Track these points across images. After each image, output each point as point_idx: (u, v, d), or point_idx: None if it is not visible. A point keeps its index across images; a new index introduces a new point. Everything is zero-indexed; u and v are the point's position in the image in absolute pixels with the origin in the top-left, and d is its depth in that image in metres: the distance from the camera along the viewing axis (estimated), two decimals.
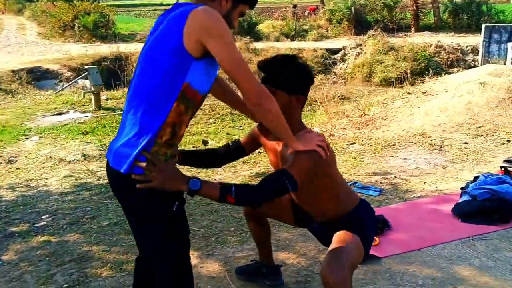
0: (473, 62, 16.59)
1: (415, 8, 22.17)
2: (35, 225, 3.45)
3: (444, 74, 11.10)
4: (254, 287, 2.59)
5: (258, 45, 17.68)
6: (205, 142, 7.12)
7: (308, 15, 27.06)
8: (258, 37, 20.38)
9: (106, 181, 4.43)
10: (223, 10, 1.65)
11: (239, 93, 1.75)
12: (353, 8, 21.98)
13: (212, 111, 9.10)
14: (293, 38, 20.93)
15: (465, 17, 22.22)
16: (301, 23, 23.73)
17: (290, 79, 1.87)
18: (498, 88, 6.09)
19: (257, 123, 2.09)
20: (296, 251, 2.99)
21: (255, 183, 1.78)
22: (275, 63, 1.89)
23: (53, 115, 8.63)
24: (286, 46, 17.62)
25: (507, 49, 14.83)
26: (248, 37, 18.16)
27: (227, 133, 7.66)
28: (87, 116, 8.39)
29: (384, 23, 21.94)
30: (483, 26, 15.53)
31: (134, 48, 16.88)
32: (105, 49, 16.10)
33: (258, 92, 1.60)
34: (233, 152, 2.18)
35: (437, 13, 23.03)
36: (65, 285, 2.62)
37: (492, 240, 3.07)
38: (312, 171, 1.80)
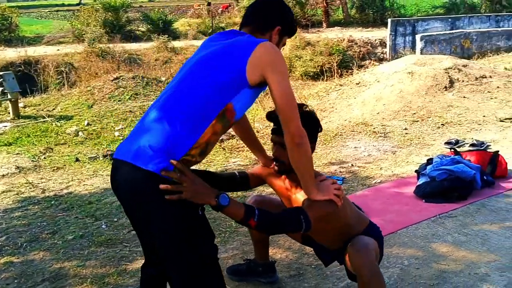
0: (382, 55, 17.60)
1: (325, 4, 23.06)
2: None
3: (358, 68, 11.72)
4: (249, 285, 2.53)
5: (177, 43, 17.36)
6: None
7: (221, 12, 27.10)
8: (175, 35, 20.00)
9: (53, 193, 4.13)
10: (273, 42, 1.81)
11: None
12: None
13: (143, 113, 8.77)
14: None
15: (371, 12, 23.55)
16: (217, 20, 23.68)
17: (304, 126, 1.84)
18: (425, 77, 6.52)
19: (268, 164, 2.14)
20: (281, 246, 2.97)
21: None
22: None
23: None
24: None
25: (411, 41, 16.02)
26: (166, 35, 17.74)
27: None
28: (6, 126, 7.69)
29: (297, 19, 22.60)
30: (389, 20, 16.51)
31: (43, 51, 15.81)
32: (11, 53, 14.87)
33: (302, 133, 1.68)
34: (239, 183, 2.14)
35: (345, 9, 24.17)
36: None
37: (457, 217, 3.27)
38: (327, 217, 1.84)
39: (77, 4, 42.52)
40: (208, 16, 24.30)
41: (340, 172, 4.25)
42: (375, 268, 1.87)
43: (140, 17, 22.19)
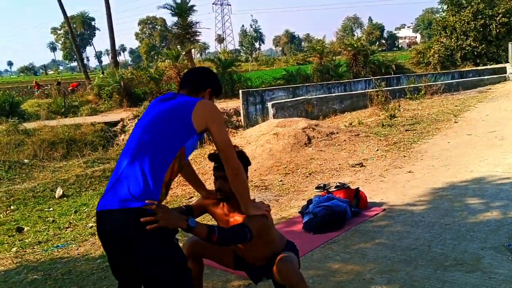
0: (237, 122, 19.02)
1: (178, 79, 24.25)
2: None
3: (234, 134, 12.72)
4: None
5: (29, 125, 16.55)
6: (20, 229, 6.51)
7: (71, 91, 26.57)
8: (25, 117, 19.03)
9: None
10: (206, 99, 2.32)
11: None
12: (121, 82, 22.71)
13: (11, 197, 8.28)
14: (65, 115, 20.23)
15: (223, 85, 25.38)
16: (69, 99, 23.17)
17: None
18: (288, 136, 7.56)
19: (208, 196, 2.64)
20: (205, 287, 3.33)
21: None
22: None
23: None
24: (61, 123, 16.99)
25: (261, 108, 17.74)
26: (15, 117, 16.81)
27: (39, 216, 7.15)
28: None
29: (153, 94, 23.31)
30: (241, 91, 18.05)
31: None
32: None
33: (239, 165, 2.25)
34: (185, 214, 2.56)
35: None
36: None
37: (340, 242, 4.03)
38: (261, 229, 2.38)
39: None
40: (59, 96, 23.65)
41: None
42: (301, 275, 2.44)
43: None
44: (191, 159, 8.34)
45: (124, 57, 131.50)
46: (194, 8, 26.03)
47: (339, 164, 6.78)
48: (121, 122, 18.18)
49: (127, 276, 2.04)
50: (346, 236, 4.14)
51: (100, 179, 8.74)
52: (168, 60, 25.16)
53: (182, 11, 25.35)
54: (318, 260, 3.68)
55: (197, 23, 26.14)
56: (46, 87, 27.76)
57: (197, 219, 2.20)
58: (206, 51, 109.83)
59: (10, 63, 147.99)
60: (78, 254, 4.40)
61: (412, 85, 17.45)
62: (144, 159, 1.99)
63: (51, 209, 7.87)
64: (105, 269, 3.80)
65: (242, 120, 18.18)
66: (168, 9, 25.60)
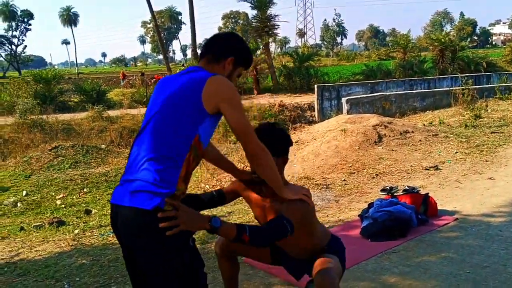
0: (311, 118, 18.65)
1: (255, 73, 24.32)
2: None
3: (293, 129, 12.44)
4: None
5: (112, 112, 17.38)
6: (88, 212, 6.76)
7: (154, 82, 27.62)
8: (109, 105, 20.05)
9: (4, 260, 4.03)
10: (225, 72, 1.96)
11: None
12: None
13: (85, 180, 8.68)
14: (146, 104, 21.02)
15: (298, 79, 25.12)
16: (151, 90, 24.08)
17: (276, 144, 2.13)
18: (357, 133, 7.15)
19: (242, 181, 2.33)
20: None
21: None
22: (261, 133, 2.11)
23: None
24: (142, 112, 17.67)
25: (336, 104, 17.22)
26: (101, 105, 17.75)
27: (108, 200, 7.38)
28: None
29: None
30: (316, 86, 17.66)
31: None
32: None
33: (258, 146, 1.89)
34: (217, 200, 2.37)
35: (274, 77, 25.61)
36: None
37: (400, 252, 3.63)
38: (302, 218, 2.08)
39: (2, 77, 41.39)
40: (142, 86, 24.69)
41: None
42: None
43: (73, 88, 22.08)
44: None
45: None
46: (274, 1, 25.80)
47: (411, 166, 6.25)
48: None
49: (134, 276, 1.87)
50: (408, 247, 3.72)
51: None
52: None
53: (262, 4, 25.22)
54: (373, 271, 3.32)
55: (276, 16, 25.88)
56: (131, 78, 29.13)
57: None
58: (287, 46, 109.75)
59: (104, 55, 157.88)
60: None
61: (503, 84, 16.00)
62: (155, 154, 1.76)
63: None
64: None
65: (316, 116, 17.80)
66: (247, 2, 25.65)
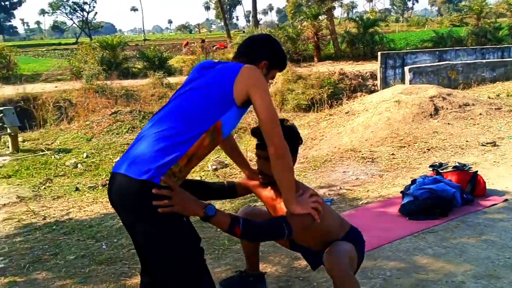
0: (373, 87, 18.01)
1: (316, 39, 23.73)
2: None
3: (348, 98, 12.09)
4: None
5: (172, 79, 17.76)
6: None
7: (216, 49, 27.79)
8: (170, 72, 20.49)
9: (55, 219, 4.30)
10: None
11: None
12: None
13: None
14: None
15: (361, 46, 24.23)
16: (211, 57, 24.29)
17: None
18: (411, 105, 6.82)
19: (252, 177, 2.31)
20: (271, 261, 3.14)
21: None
22: None
23: None
24: None
25: (401, 73, 16.47)
26: (161, 72, 18.17)
27: None
28: (5, 160, 7.88)
29: (290, 54, 23.23)
30: (379, 53, 16.97)
31: (41, 88, 16.16)
32: (9, 91, 15.23)
33: (284, 145, 1.85)
34: (227, 192, 2.35)
35: (336, 44, 24.85)
36: None
37: (438, 232, 3.46)
38: (308, 227, 2.00)
39: (74, 43, 43.45)
40: (202, 53, 24.96)
41: (329, 194, 4.45)
42: (346, 272, 2.00)
43: (137, 55, 22.73)
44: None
45: (270, 16, 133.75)
46: None
47: (466, 141, 5.90)
48: None
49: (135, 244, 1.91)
50: (447, 227, 3.54)
51: None
52: (307, 20, 24.61)
53: None
54: (405, 250, 3.20)
55: None
56: (192, 45, 29.50)
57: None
58: (354, 10, 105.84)
59: (170, 21, 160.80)
60: None
61: None
62: (167, 125, 1.77)
63: None
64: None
65: (378, 85, 17.18)
66: None
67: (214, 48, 28.38)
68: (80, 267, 3.15)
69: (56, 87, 16.51)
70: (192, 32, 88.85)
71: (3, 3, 59.55)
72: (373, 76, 18.52)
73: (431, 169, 4.79)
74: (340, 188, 4.60)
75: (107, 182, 6.39)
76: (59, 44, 50.80)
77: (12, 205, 4.96)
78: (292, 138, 2.08)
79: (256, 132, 2.09)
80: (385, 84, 16.22)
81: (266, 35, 2.19)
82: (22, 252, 3.51)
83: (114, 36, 22.37)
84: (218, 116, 1.81)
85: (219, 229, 3.55)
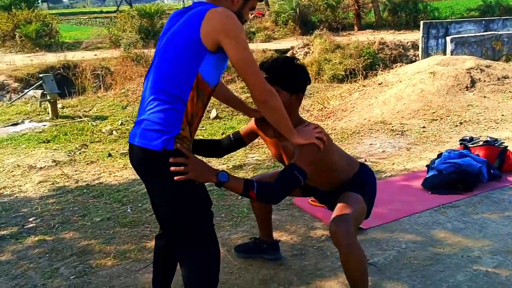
0: (414, 57, 17.43)
1: (356, 7, 23.05)
2: (25, 227, 3.45)
3: (389, 70, 11.77)
4: (254, 262, 2.76)
5: None
6: None
7: (254, 17, 27.45)
8: None
9: (86, 183, 4.49)
10: (235, 7, 1.84)
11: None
12: (297, 9, 22.59)
13: None
14: None
15: (404, 15, 23.36)
16: (247, 25, 24.05)
17: (292, 79, 2.05)
18: (447, 77, 6.59)
19: (255, 119, 2.30)
20: (287, 230, 3.19)
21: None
22: (277, 65, 2.05)
23: (7, 126, 8.38)
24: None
25: (444, 43, 15.83)
26: None
27: None
28: (45, 125, 8.21)
29: (329, 22, 22.72)
30: (422, 22, 16.32)
31: (81, 55, 16.56)
32: (51, 58, 15.68)
33: (265, 90, 1.78)
34: (235, 143, 2.38)
35: (378, 12, 24.05)
36: (72, 277, 2.68)
37: (459, 207, 3.41)
38: (317, 158, 1.99)
39: (115, 11, 43.99)
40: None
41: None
42: (352, 241, 1.99)
43: None
44: None
45: None
46: None
47: (502, 115, 5.68)
48: (291, 51, 18.27)
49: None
50: (470, 202, 3.48)
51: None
52: None
53: None
54: (424, 224, 3.18)
55: None
56: None
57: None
58: None
59: None
60: None
61: None
62: (160, 88, 1.76)
63: (203, 128, 8.51)
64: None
65: (420, 55, 16.60)
66: None
67: (252, 16, 28.05)
68: (105, 228, 3.31)
69: (95, 55, 16.87)
70: None
71: None
72: (414, 46, 17.93)
73: (461, 143, 4.68)
74: (366, 161, 4.57)
75: None
76: (101, 12, 51.50)
77: (48, 168, 5.20)
78: (303, 77, 2.07)
79: (263, 66, 2.05)
80: (427, 54, 15.65)
81: None
82: (53, 213, 3.71)
83: (152, 5, 22.46)
84: (195, 69, 1.73)
85: (240, 197, 3.66)
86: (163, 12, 22.14)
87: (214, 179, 1.82)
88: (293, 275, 2.59)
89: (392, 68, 12.89)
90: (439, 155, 4.03)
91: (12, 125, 8.47)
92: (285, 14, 23.00)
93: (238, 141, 2.37)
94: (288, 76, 2.04)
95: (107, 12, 50.94)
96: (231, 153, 5.21)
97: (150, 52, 16.00)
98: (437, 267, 2.62)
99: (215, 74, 1.81)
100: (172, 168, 1.73)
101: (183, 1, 72.76)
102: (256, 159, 4.94)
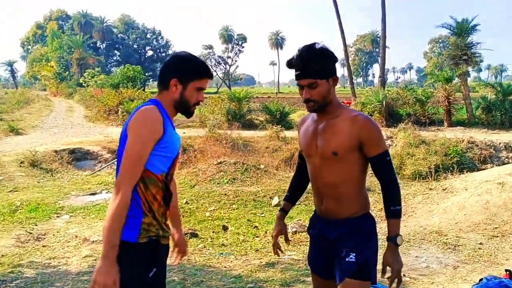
0: (507, 159, 16.37)
1: (447, 103, 22.49)
2: None
3: (477, 170, 11.09)
4: None
5: (289, 133, 18.21)
6: (225, 228, 7.28)
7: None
8: (289, 126, 21.03)
9: None
10: (177, 94, 2.03)
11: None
12: (384, 101, 22.57)
13: (236, 197, 9.34)
14: None
15: (498, 114, 22.29)
16: None
17: (322, 66, 2.08)
18: None
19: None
20: None
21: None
22: (303, 58, 2.09)
23: (86, 195, 9.09)
24: None
25: None
26: (280, 125, 18.76)
27: (248, 220, 7.81)
28: (104, 198, 8.78)
29: (416, 116, 22.30)
30: None
31: (182, 132, 17.80)
32: None
33: (124, 183, 1.89)
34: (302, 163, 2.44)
35: (470, 109, 23.21)
36: None
37: None
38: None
39: (215, 92, 47.27)
40: None
41: (387, 278, 4.14)
42: None
43: (260, 108, 23.86)
44: None
45: (410, 75, 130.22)
46: (477, 28, 23.51)
47: None
48: None
49: None
50: None
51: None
52: (439, 82, 23.53)
53: (462, 30, 23.29)
54: None
55: (478, 43, 23.57)
56: None
57: None
58: (503, 74, 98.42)
59: None
60: (225, 268, 4.61)
61: None
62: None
63: (262, 214, 8.55)
64: None
65: None
66: (446, 28, 23.96)
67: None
68: None
69: (184, 133, 18.06)
70: None
71: (159, 54, 67.78)
72: (507, 147, 16.89)
73: (506, 270, 4.21)
74: (404, 275, 4.25)
75: (189, 231, 6.70)
76: (216, 92, 55.84)
77: (99, 242, 5.50)
78: (331, 58, 2.10)
79: (291, 64, 2.12)
80: None
81: (179, 52, 2.14)
82: None
83: (241, 90, 23.84)
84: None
85: None
86: (251, 97, 23.35)
87: None
88: None
89: (480, 169, 12.09)
90: (480, 280, 3.66)
91: (90, 194, 9.19)
92: (371, 105, 23.06)
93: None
94: (317, 64, 2.06)
95: (207, 93, 54.76)
96: (267, 248, 5.20)
97: (233, 133, 16.81)
98: None
99: (156, 161, 1.96)
100: None
101: (278, 86, 76.34)
102: (292, 258, 4.83)
